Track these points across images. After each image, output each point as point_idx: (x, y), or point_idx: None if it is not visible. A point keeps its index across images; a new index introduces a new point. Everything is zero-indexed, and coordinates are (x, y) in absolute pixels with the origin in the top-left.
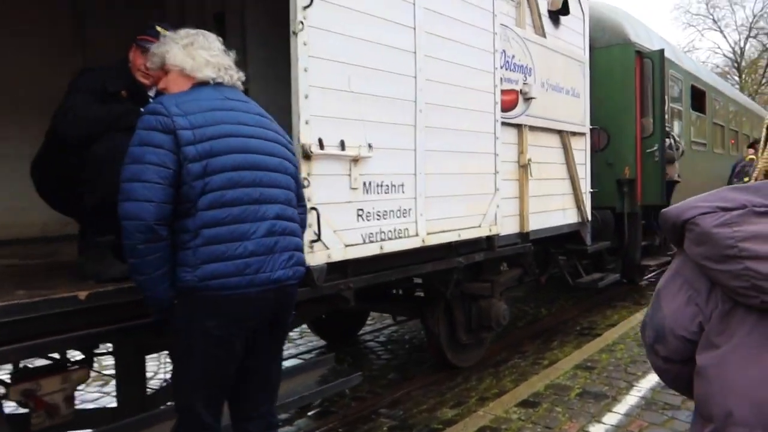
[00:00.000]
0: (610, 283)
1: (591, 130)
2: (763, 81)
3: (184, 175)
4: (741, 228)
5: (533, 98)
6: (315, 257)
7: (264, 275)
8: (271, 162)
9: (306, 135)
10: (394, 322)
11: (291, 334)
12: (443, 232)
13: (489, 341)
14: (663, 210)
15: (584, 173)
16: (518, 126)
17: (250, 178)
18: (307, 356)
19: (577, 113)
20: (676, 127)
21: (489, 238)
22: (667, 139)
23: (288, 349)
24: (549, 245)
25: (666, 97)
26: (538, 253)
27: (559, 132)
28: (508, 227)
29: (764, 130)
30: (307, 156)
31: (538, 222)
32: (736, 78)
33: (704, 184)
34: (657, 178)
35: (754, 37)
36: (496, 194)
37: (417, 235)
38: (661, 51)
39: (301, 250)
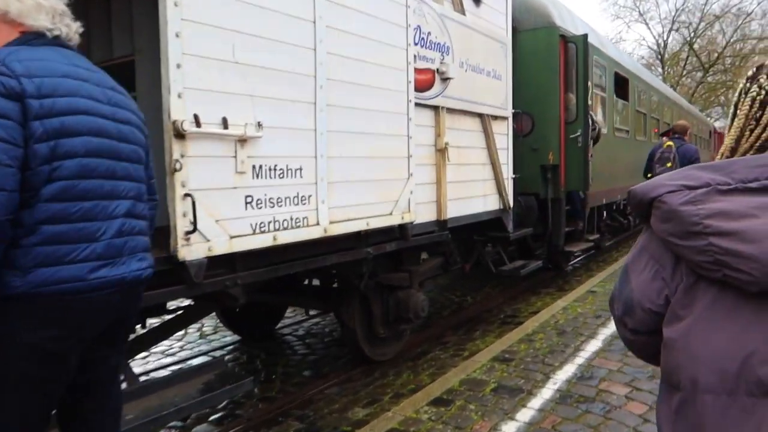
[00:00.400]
0: (532, 270)
1: (515, 114)
2: (684, 73)
3: (29, 156)
4: (705, 206)
5: (451, 79)
6: (192, 251)
7: (109, 278)
8: (125, 150)
9: (178, 110)
10: (307, 315)
11: (204, 329)
12: (349, 220)
13: (409, 333)
14: (631, 188)
15: (506, 158)
16: (435, 108)
17: (104, 167)
18: (219, 353)
19: (498, 96)
20: (599, 113)
21: (402, 227)
22: None
23: (199, 346)
24: (471, 232)
25: (590, 82)
26: (462, 241)
27: (480, 115)
28: (424, 215)
29: (731, 108)
30: (180, 135)
31: (457, 209)
32: (660, 69)
33: (627, 170)
34: (580, 164)
35: (677, 30)
36: (409, 180)
37: (318, 224)
38: (585, 36)
39: (148, 250)
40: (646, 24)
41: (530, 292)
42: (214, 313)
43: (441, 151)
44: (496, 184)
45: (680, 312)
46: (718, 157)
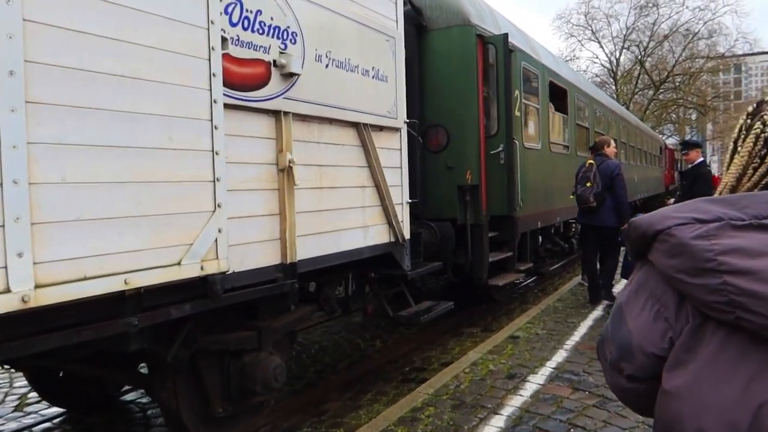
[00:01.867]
0: (439, 314)
1: (427, 127)
2: (636, 90)
3: None
4: (719, 241)
5: (297, 75)
6: None
7: None
8: None
9: None
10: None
11: (27, 397)
12: (84, 280)
13: (273, 403)
14: (633, 219)
15: (399, 179)
16: (275, 113)
17: None
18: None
19: (384, 102)
20: (531, 126)
21: (206, 280)
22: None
23: (10, 422)
24: (364, 269)
25: (518, 91)
26: (356, 278)
27: (355, 125)
28: (255, 259)
29: (731, 144)
30: None
31: (317, 247)
32: (613, 87)
33: (566, 187)
34: (503, 184)
35: (628, 49)
36: (216, 213)
37: (9, 290)
38: (505, 36)
39: None
40: (599, 42)
41: (452, 333)
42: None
43: (285, 171)
44: (383, 211)
45: (684, 357)
46: (719, 192)
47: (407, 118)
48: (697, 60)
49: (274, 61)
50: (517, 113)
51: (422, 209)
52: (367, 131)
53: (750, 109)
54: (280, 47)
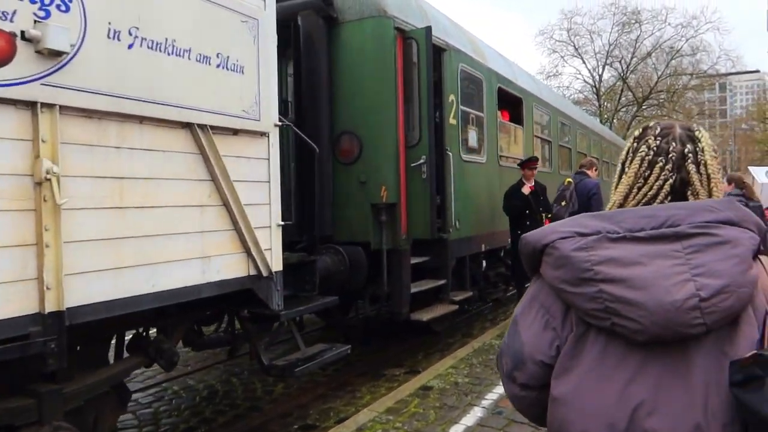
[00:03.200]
0: (324, 363)
1: (338, 135)
2: (619, 107)
3: None
4: (597, 252)
5: (66, 54)
6: None
7: None
8: None
9: None
10: None
11: None
12: None
13: None
14: (523, 234)
15: (266, 197)
16: (27, 104)
17: None
18: None
19: (238, 98)
20: (472, 137)
21: None
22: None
23: None
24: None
25: (453, 96)
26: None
27: (187, 126)
28: None
29: (618, 165)
30: None
31: (114, 287)
32: (596, 104)
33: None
34: (426, 202)
35: (610, 65)
36: None
37: None
38: (428, 29)
39: None
40: (581, 58)
41: (371, 375)
42: None
43: (42, 185)
44: (236, 237)
45: (568, 364)
46: (608, 208)
47: (288, 120)
48: (680, 77)
49: (23, 32)
50: (453, 121)
51: (333, 231)
52: (206, 134)
53: (636, 133)
54: (35, 14)
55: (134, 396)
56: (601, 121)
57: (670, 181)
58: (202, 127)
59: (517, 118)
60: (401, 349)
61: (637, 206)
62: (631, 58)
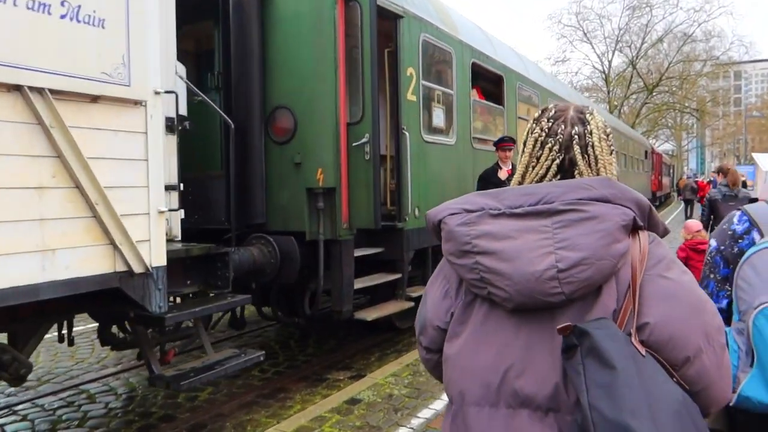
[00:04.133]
0: (222, 375)
1: (274, 111)
2: (629, 93)
3: None
4: (477, 227)
5: None
6: None
7: None
8: None
9: None
10: None
11: None
12: None
13: None
14: (427, 212)
15: (143, 178)
16: None
17: None
18: None
19: (99, 58)
20: (438, 116)
21: None
22: None
23: None
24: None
25: (412, 70)
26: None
27: (16, 89)
28: None
29: (522, 145)
30: None
31: None
32: (605, 90)
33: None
34: (369, 187)
35: (620, 50)
36: None
37: None
38: None
39: None
40: (590, 43)
41: (313, 379)
42: None
43: None
44: (95, 226)
45: (457, 329)
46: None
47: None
48: (693, 64)
49: None
50: (412, 97)
51: (266, 219)
52: (46, 100)
53: (536, 115)
54: None
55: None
56: (610, 109)
57: (557, 161)
58: (39, 90)
59: (498, 97)
60: (356, 348)
61: (531, 184)
62: (642, 43)
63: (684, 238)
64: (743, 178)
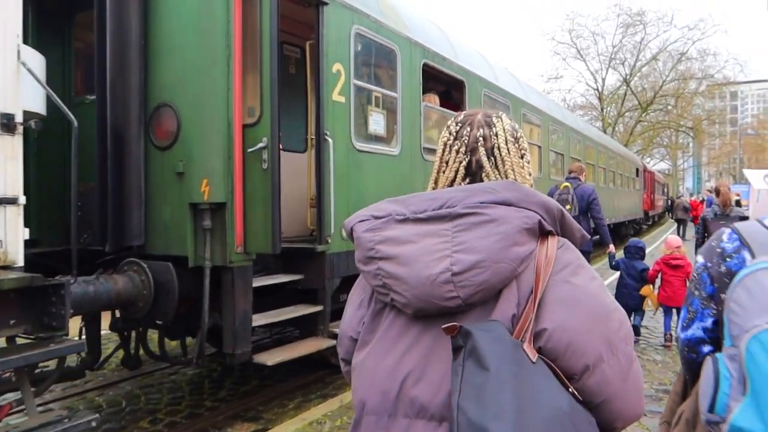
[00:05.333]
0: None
1: (157, 109)
2: (623, 111)
3: None
4: (381, 233)
5: None
6: None
7: None
8: None
9: None
10: None
11: None
12: None
13: None
14: (345, 220)
15: None
16: None
17: None
18: None
19: None
20: (377, 121)
21: None
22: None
23: None
24: None
25: (339, 66)
26: None
27: None
28: None
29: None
30: None
31: None
32: (599, 108)
33: None
34: (266, 202)
35: (614, 68)
36: None
37: None
38: None
39: None
40: (584, 60)
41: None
42: None
43: None
44: None
45: (366, 337)
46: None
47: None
48: (689, 82)
49: None
50: (339, 98)
51: (145, 240)
52: None
53: (449, 122)
54: None
55: None
56: (604, 127)
57: (464, 163)
58: None
59: (455, 102)
60: (280, 390)
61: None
62: (636, 61)
63: (663, 253)
64: (737, 197)
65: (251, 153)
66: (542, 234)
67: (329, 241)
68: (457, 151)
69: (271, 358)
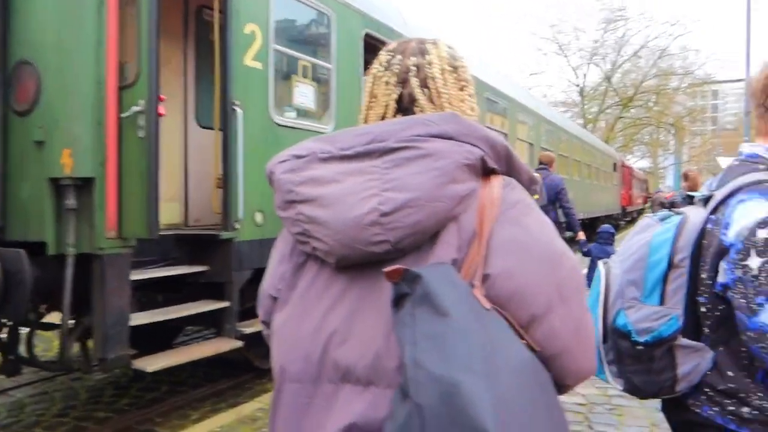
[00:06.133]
0: None
1: (17, 67)
2: (604, 108)
3: None
4: (302, 173)
5: None
6: None
7: None
8: None
9: None
10: None
11: None
12: None
13: None
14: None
15: None
16: None
17: None
18: None
19: None
20: (304, 94)
21: None
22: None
23: None
24: None
25: (255, 27)
26: None
27: None
28: None
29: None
30: None
31: None
32: (581, 105)
33: None
34: (143, 177)
35: (596, 64)
36: None
37: None
38: None
39: None
40: (565, 56)
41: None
42: None
43: None
44: None
45: (286, 295)
46: None
47: None
48: (670, 78)
49: None
50: (254, 63)
51: (4, 222)
52: None
53: (380, 51)
54: None
55: None
56: (585, 123)
57: (394, 95)
58: None
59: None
60: (191, 398)
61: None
62: (617, 56)
63: None
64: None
65: (126, 119)
66: (486, 173)
67: (237, 227)
68: (387, 83)
69: (153, 363)
